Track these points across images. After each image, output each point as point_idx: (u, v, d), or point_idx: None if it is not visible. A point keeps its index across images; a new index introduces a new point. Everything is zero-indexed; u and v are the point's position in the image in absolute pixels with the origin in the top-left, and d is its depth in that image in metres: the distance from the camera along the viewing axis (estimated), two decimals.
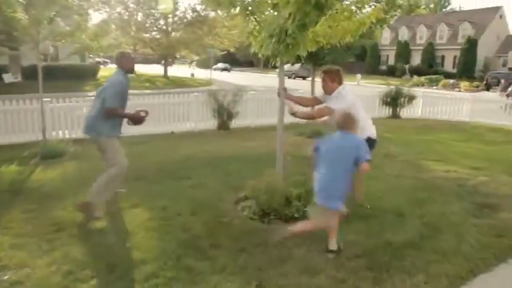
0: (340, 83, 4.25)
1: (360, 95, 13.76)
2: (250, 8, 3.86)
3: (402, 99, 13.36)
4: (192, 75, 38.31)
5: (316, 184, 3.37)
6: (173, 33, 32.88)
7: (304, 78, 38.14)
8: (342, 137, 3.36)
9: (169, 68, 35.81)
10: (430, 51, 47.48)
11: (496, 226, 4.16)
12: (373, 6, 5.09)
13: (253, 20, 3.97)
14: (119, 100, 4.17)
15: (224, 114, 9.92)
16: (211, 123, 10.03)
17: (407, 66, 48.27)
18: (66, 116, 8.40)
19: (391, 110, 13.49)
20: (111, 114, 4.12)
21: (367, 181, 4.55)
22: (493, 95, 25.45)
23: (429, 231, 3.98)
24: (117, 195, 4.64)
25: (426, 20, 51.53)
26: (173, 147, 7.84)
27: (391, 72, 48.96)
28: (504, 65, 45.45)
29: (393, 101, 13.31)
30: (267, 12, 3.93)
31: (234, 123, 10.09)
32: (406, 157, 7.20)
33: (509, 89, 15.35)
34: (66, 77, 22.63)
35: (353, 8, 3.45)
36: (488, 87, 33.02)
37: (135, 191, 4.89)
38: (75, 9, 7.32)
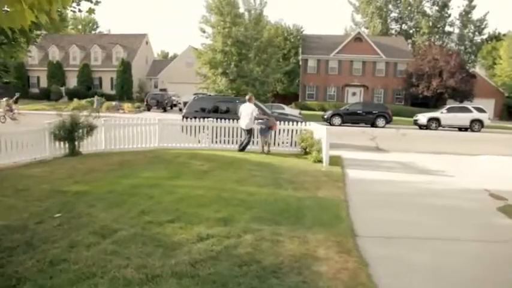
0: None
1: (18, 131, 10.04)
2: None
3: (80, 130, 10.55)
4: None
5: None
6: None
7: None
8: None
9: None
10: (86, 72, 45.42)
11: None
12: None
13: None
14: None
15: None
16: None
17: (63, 89, 44.34)
18: None
19: (67, 146, 10.42)
20: None
21: None
22: (171, 116, 26.21)
23: None
24: None
25: (78, 41, 49.07)
26: None
27: (46, 95, 43.61)
28: (156, 87, 49.63)
29: (69, 134, 10.27)
30: None
31: None
32: (130, 228, 4.65)
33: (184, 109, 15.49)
34: None
35: None
36: (149, 108, 34.46)
37: None
38: None
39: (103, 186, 6.81)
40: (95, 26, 69.00)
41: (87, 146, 10.98)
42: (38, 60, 47.55)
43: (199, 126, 12.21)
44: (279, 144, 12.12)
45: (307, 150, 10.80)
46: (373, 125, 25.75)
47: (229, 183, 7.22)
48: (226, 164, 9.03)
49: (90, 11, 4.83)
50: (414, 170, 9.76)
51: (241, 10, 31.00)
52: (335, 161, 10.05)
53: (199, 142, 12.27)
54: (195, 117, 12.56)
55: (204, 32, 31.32)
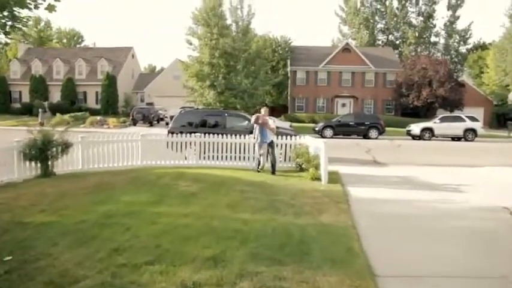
0: None
1: None
2: None
3: (54, 149, 9.58)
4: None
5: None
6: None
7: None
8: None
9: None
10: (70, 87, 44.17)
11: None
12: None
13: None
14: None
15: None
16: None
17: (46, 104, 42.97)
18: None
19: (39, 166, 9.44)
20: None
21: None
22: (158, 130, 25.28)
23: None
24: None
25: (62, 54, 47.91)
26: None
27: (28, 110, 42.19)
28: (142, 100, 48.61)
29: (41, 153, 9.29)
30: None
31: None
32: (97, 274, 3.74)
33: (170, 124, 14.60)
34: None
35: None
36: (135, 123, 33.44)
37: None
38: None
39: (73, 215, 5.86)
40: (80, 40, 67.94)
41: (62, 165, 10.01)
42: (20, 74, 46.30)
43: (185, 142, 11.33)
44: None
45: (303, 166, 9.98)
46: (366, 136, 25.15)
47: (220, 208, 6.33)
48: (216, 185, 8.15)
49: (50, 7, 3.99)
50: (420, 185, 8.99)
51: (229, 21, 30.46)
52: (333, 177, 9.25)
53: (185, 159, 11.39)
54: (182, 132, 11.71)
55: (190, 44, 30.62)
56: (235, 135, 11.24)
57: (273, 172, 10.11)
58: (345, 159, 13.73)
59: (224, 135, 11.31)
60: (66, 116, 33.95)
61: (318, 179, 9.03)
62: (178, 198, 7.02)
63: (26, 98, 45.01)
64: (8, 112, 42.99)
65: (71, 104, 43.20)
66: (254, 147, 10.92)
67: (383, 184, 8.98)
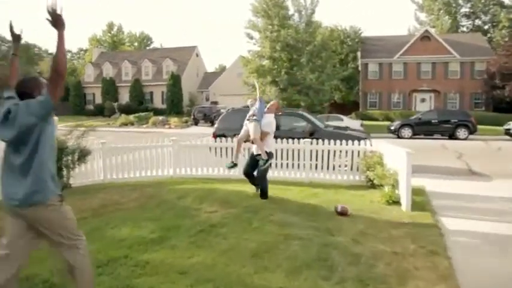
0: None
1: None
2: None
3: (69, 157, 8.08)
4: None
5: None
6: None
7: None
8: None
9: None
10: (137, 87, 45.00)
11: None
12: None
13: None
14: None
15: None
16: None
17: (116, 104, 44.16)
18: None
19: None
20: None
21: None
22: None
23: None
24: None
25: (130, 56, 49.21)
26: None
27: (100, 111, 43.82)
28: (207, 99, 48.07)
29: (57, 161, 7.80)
30: None
31: None
32: None
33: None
34: None
35: None
36: (196, 122, 32.56)
37: None
38: None
39: (31, 263, 4.02)
40: (149, 42, 69.88)
41: (80, 176, 8.52)
42: (93, 77, 48.18)
43: (226, 148, 9.26)
44: (334, 168, 8.77)
45: (375, 182, 7.40)
46: (452, 136, 21.32)
47: (240, 259, 4.10)
48: (249, 211, 5.91)
49: None
50: None
51: (291, 11, 28.09)
52: (419, 200, 6.61)
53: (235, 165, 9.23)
54: (235, 135, 9.57)
55: (251, 38, 28.77)
56: (290, 139, 8.97)
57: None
58: (431, 167, 10.81)
59: (278, 140, 8.98)
60: (131, 117, 34.16)
61: (397, 202, 6.43)
62: (189, 235, 4.91)
63: (98, 100, 46.70)
64: (83, 114, 44.95)
65: (139, 104, 43.89)
66: (311, 153, 8.67)
67: (493, 213, 6.11)
